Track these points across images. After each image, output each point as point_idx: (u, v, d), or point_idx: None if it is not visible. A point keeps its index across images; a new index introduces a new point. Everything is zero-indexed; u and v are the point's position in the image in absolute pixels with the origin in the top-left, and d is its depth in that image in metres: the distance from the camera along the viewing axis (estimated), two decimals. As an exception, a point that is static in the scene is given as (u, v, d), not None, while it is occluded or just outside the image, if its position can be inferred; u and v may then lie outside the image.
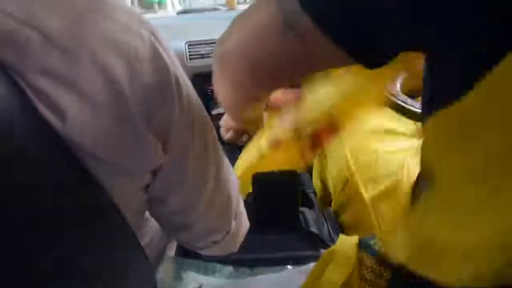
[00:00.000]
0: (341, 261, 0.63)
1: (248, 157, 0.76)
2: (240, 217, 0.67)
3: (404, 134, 1.04)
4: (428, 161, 0.45)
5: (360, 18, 0.40)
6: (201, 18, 1.91)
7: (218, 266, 0.91)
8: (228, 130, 0.94)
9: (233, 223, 0.64)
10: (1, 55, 0.37)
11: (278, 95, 0.66)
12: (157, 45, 0.45)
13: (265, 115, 0.71)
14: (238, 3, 2.03)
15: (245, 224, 0.70)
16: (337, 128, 0.66)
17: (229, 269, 0.91)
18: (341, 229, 1.05)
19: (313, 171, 1.21)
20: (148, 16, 2.10)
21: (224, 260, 0.92)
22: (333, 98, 0.63)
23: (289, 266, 0.90)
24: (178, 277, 0.88)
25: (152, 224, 0.69)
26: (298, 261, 0.90)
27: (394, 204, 0.91)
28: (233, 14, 1.78)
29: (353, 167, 1.01)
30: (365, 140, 1.03)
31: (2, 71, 0.37)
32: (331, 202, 1.11)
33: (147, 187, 0.50)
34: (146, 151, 0.45)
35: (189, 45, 1.63)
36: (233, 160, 0.72)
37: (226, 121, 0.94)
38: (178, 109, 0.47)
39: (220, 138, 0.84)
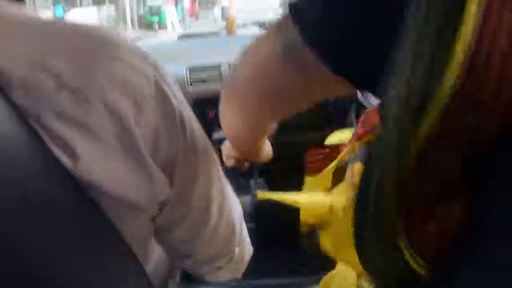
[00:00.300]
0: (341, 285, 0.64)
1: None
2: (244, 244, 0.68)
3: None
4: None
5: (358, 48, 0.42)
6: (201, 42, 1.95)
7: (222, 291, 0.92)
8: (229, 157, 0.95)
9: (237, 250, 0.65)
10: (16, 99, 0.39)
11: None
12: (160, 81, 0.47)
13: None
14: (238, 27, 2.06)
15: (249, 250, 0.70)
16: None
17: (233, 293, 0.91)
18: None
19: None
20: (148, 37, 2.14)
21: (228, 285, 0.92)
22: None
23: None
24: (182, 303, 0.89)
25: (157, 251, 0.70)
26: (299, 286, 0.91)
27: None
28: (233, 39, 1.83)
29: None
30: None
31: (18, 114, 0.39)
32: None
33: (153, 218, 0.51)
34: (153, 185, 0.46)
35: (190, 70, 1.65)
36: (236, 184, 0.73)
37: (227, 150, 0.95)
38: (182, 144, 0.49)
39: (222, 162, 0.85)
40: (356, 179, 0.81)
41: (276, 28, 0.49)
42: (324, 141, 1.06)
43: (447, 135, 0.33)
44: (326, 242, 0.83)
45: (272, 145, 0.84)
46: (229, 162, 0.97)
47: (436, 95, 0.32)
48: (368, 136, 0.91)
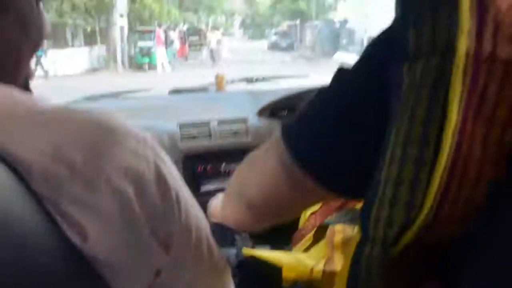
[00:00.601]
0: None
1: None
2: None
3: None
4: None
5: (341, 163, 0.53)
6: (191, 98, 2.04)
7: None
8: (214, 217, 1.02)
9: None
10: (36, 187, 0.46)
11: None
12: (158, 162, 0.54)
13: None
14: (226, 83, 2.17)
15: None
16: None
17: None
18: None
19: None
20: (139, 94, 2.24)
21: None
22: None
23: None
24: None
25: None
26: None
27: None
28: (221, 95, 1.93)
29: None
30: None
31: (36, 200, 0.46)
32: None
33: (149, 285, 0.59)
34: (152, 257, 0.54)
35: (181, 126, 1.72)
36: (221, 237, 0.80)
37: (214, 211, 1.02)
38: (178, 220, 0.56)
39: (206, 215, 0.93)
40: (336, 238, 0.89)
41: (274, 146, 0.60)
42: None
43: (422, 243, 0.44)
44: None
45: None
46: (215, 220, 1.04)
47: (416, 219, 0.43)
48: (348, 205, 1.00)
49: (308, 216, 1.06)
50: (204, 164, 1.72)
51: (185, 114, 1.82)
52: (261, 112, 1.83)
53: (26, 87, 0.63)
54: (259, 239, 1.24)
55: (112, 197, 0.48)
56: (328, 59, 21.36)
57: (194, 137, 1.72)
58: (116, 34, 17.38)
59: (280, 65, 19.00)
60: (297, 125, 0.59)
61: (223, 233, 0.80)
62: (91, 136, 0.50)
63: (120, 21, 17.61)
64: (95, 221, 0.48)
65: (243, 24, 44.38)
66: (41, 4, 0.61)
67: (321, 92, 0.58)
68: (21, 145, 0.46)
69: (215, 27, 26.96)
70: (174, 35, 20.41)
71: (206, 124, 1.75)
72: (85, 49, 17.06)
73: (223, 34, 42.16)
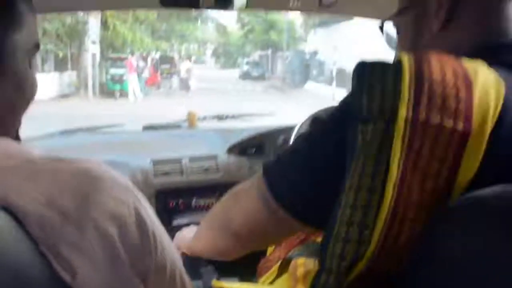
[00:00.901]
0: None
1: None
2: None
3: None
4: None
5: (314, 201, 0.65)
6: (164, 135, 2.14)
7: None
8: (181, 249, 1.09)
9: None
10: (32, 232, 0.53)
11: None
12: (138, 206, 0.62)
13: None
14: (198, 119, 2.28)
15: None
16: None
17: None
18: None
19: None
20: (114, 129, 2.32)
21: None
22: None
23: None
24: None
25: None
26: None
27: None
28: (193, 132, 2.02)
29: None
30: None
31: (32, 242, 0.53)
32: None
33: None
34: None
35: (154, 163, 1.82)
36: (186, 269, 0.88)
37: (181, 243, 1.05)
38: (155, 257, 0.65)
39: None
40: (299, 272, 0.99)
41: (256, 185, 0.72)
42: None
43: (371, 273, 0.56)
44: None
45: None
46: (180, 252, 1.12)
47: (365, 253, 0.55)
48: (310, 239, 1.10)
49: (274, 248, 1.15)
50: (176, 199, 1.82)
51: (158, 150, 1.92)
52: (231, 150, 1.95)
53: (17, 137, 0.71)
54: (226, 271, 1.32)
55: (98, 239, 0.56)
56: (298, 89, 21.74)
57: (166, 173, 1.82)
58: (87, 60, 17.29)
59: (251, 94, 19.20)
60: (276, 167, 0.72)
61: (189, 265, 0.88)
62: (79, 185, 0.57)
63: (92, 48, 17.56)
64: (83, 260, 0.55)
65: (215, 53, 44.75)
66: (33, 63, 0.69)
67: (298, 139, 0.73)
68: (18, 194, 0.54)
69: (187, 55, 27.17)
70: (144, 63, 20.46)
71: (178, 161, 1.85)
72: (56, 75, 16.83)
73: (195, 62, 42.42)
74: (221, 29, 37.07)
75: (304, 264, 0.97)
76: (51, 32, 15.72)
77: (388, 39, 0.91)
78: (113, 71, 17.81)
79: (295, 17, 26.33)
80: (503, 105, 0.56)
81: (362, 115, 0.58)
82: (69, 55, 17.33)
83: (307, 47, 26.56)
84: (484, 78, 0.57)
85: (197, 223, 1.77)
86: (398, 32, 0.81)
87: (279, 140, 1.97)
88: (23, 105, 0.68)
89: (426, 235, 0.55)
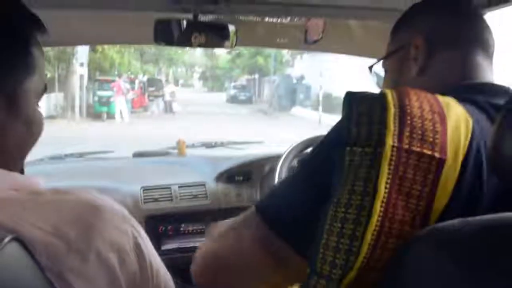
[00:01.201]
0: None
1: None
2: None
3: None
4: None
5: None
6: (154, 162, 2.20)
7: None
8: None
9: None
10: (40, 259, 0.58)
11: None
12: (136, 235, 0.67)
13: None
14: (187, 147, 2.34)
15: None
16: None
17: None
18: None
19: None
20: (104, 155, 2.36)
21: None
22: None
23: None
24: None
25: None
26: None
27: None
28: (183, 159, 2.07)
29: None
30: None
31: (39, 268, 0.57)
32: None
33: None
34: None
35: (144, 189, 1.87)
36: None
37: None
38: (150, 280, 0.69)
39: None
40: None
41: (243, 223, 0.78)
42: None
43: (364, 280, 0.61)
44: None
45: None
46: None
47: (355, 265, 0.61)
48: None
49: None
50: (165, 224, 1.87)
51: (148, 177, 1.97)
52: (219, 177, 2.01)
53: (22, 171, 0.75)
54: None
55: (100, 265, 0.61)
56: (285, 114, 21.89)
57: (156, 200, 1.87)
58: (75, 82, 17.28)
59: (238, 118, 19.29)
60: (271, 201, 0.78)
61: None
62: (83, 216, 0.62)
63: (80, 70, 17.57)
64: (86, 286, 0.60)
65: (202, 77, 44.98)
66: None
67: (290, 180, 0.80)
68: (26, 224, 0.58)
69: (175, 79, 27.25)
70: (131, 86, 20.49)
71: (168, 187, 1.90)
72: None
73: (183, 86, 42.46)
74: (209, 53, 37.35)
75: None
76: (39, 53, 15.65)
77: (378, 79, 1.01)
78: (100, 93, 17.87)
79: (282, 42, 26.52)
80: (471, 137, 0.65)
81: (350, 139, 0.66)
82: (56, 76, 17.30)
83: (294, 72, 26.87)
84: (455, 112, 0.66)
85: (185, 248, 1.83)
86: (385, 74, 0.93)
87: (266, 168, 2.04)
88: (31, 142, 0.72)
89: (393, 261, 0.61)
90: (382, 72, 0.95)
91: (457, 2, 0.86)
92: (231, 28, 1.44)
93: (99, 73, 19.54)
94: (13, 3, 0.67)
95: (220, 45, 1.46)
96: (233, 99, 28.66)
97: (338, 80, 17.58)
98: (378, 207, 0.62)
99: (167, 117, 18.65)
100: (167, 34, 1.42)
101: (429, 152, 0.62)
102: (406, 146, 0.63)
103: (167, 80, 27.11)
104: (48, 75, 16.95)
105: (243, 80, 33.85)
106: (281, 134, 10.83)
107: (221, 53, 35.77)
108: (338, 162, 0.67)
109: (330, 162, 0.69)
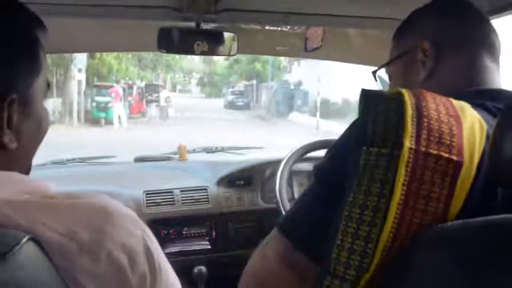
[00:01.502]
0: None
1: None
2: None
3: None
4: None
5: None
6: (156, 167, 2.22)
7: None
8: None
9: None
10: (54, 259, 0.60)
11: None
12: (146, 238, 0.69)
13: None
14: (188, 152, 2.36)
15: None
16: None
17: None
18: None
19: None
20: (105, 160, 2.38)
21: None
22: None
23: None
24: None
25: None
26: None
27: None
28: (184, 164, 2.10)
29: None
30: None
31: (55, 269, 0.59)
32: None
33: None
34: None
35: (146, 194, 1.90)
36: None
37: None
38: (160, 282, 0.70)
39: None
40: None
41: (270, 243, 0.78)
42: None
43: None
44: None
45: None
46: None
47: (370, 267, 0.62)
48: None
49: None
50: (168, 228, 1.90)
51: (150, 182, 2.00)
52: (220, 182, 2.04)
53: (29, 169, 0.77)
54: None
55: (111, 266, 0.63)
56: (283, 119, 21.89)
57: (158, 204, 1.90)
58: (73, 87, 17.28)
59: (236, 124, 19.28)
60: (292, 218, 0.78)
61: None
62: (95, 219, 0.64)
63: (78, 75, 17.57)
64: (96, 284, 0.62)
65: (200, 82, 44.95)
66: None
67: (308, 193, 0.79)
68: (41, 226, 0.60)
69: (173, 84, 27.19)
70: (130, 91, 20.48)
71: (170, 192, 1.93)
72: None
73: (180, 91, 42.32)
74: (207, 59, 37.32)
75: None
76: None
77: (383, 84, 1.02)
78: (98, 99, 17.81)
79: (280, 48, 26.53)
80: (486, 140, 0.65)
81: (366, 139, 0.66)
82: (54, 82, 17.27)
83: (292, 78, 26.88)
84: (470, 116, 0.67)
85: (187, 252, 1.85)
86: (390, 79, 0.93)
87: (266, 172, 2.08)
88: (40, 139, 0.74)
89: (397, 260, 0.63)
90: (386, 77, 0.95)
91: (461, 5, 0.86)
92: (232, 36, 1.47)
93: (97, 79, 19.53)
94: (19, 6, 0.69)
95: (221, 52, 1.49)
96: (230, 105, 28.67)
97: (335, 86, 17.64)
98: (394, 209, 0.62)
99: (165, 123, 18.63)
100: (170, 42, 1.45)
101: (447, 155, 0.62)
102: (424, 149, 0.63)
103: (164, 86, 27.05)
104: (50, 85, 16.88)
105: (240, 86, 33.82)
106: (279, 139, 10.84)
107: (219, 59, 35.68)
108: (353, 162, 0.66)
109: (345, 162, 0.69)
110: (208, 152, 2.44)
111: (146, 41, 1.57)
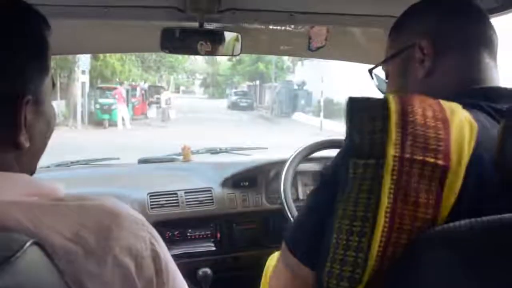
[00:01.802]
0: None
1: None
2: None
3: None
4: None
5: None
6: (160, 168, 2.22)
7: None
8: None
9: None
10: (58, 263, 0.58)
11: None
12: (153, 241, 0.68)
13: None
14: (192, 153, 2.36)
15: None
16: None
17: None
18: None
19: None
20: (109, 162, 2.38)
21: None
22: None
23: None
24: None
25: None
26: None
27: None
28: (188, 165, 2.09)
29: None
30: None
31: (59, 274, 0.58)
32: None
33: None
34: None
35: (150, 195, 1.89)
36: None
37: None
38: (166, 285, 0.70)
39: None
40: None
41: (281, 257, 0.79)
42: None
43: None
44: None
45: None
46: None
47: (363, 277, 0.62)
48: None
49: None
50: (172, 230, 1.89)
51: (154, 183, 1.99)
52: (225, 183, 2.03)
53: (32, 174, 0.76)
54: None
55: (117, 270, 0.63)
56: (286, 120, 21.88)
57: (163, 206, 1.89)
58: (77, 90, 17.31)
59: (239, 124, 19.29)
60: (296, 233, 0.78)
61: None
62: (102, 222, 0.64)
63: (81, 77, 17.61)
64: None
65: (204, 83, 45.02)
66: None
67: (308, 201, 0.79)
68: (47, 229, 0.60)
69: (176, 86, 27.24)
70: (133, 93, 20.51)
71: (174, 193, 1.92)
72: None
73: (184, 92, 42.35)
74: (210, 60, 37.42)
75: None
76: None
77: (379, 82, 1.01)
78: (102, 100, 17.89)
79: (283, 48, 26.55)
80: (476, 141, 0.65)
81: (353, 151, 0.66)
82: (58, 84, 17.33)
83: (295, 78, 26.88)
84: (459, 117, 0.66)
85: (192, 253, 1.85)
86: (386, 77, 0.92)
87: (271, 173, 2.07)
88: (49, 137, 0.75)
89: (401, 262, 0.63)
90: (383, 75, 0.94)
91: (460, 1, 0.84)
92: (236, 35, 1.46)
93: (100, 80, 19.59)
94: (29, 7, 0.69)
95: (225, 52, 1.48)
96: (234, 106, 28.65)
97: (339, 86, 17.62)
98: (382, 217, 0.62)
99: (165, 124, 18.65)
100: (173, 42, 1.45)
101: (432, 160, 0.62)
102: (408, 155, 0.63)
103: (167, 87, 27.09)
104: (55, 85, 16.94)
105: (244, 86, 33.92)
106: (283, 140, 10.84)
107: (222, 60, 35.84)
108: (343, 175, 0.67)
109: (337, 175, 0.69)
110: (212, 153, 2.44)
111: (149, 42, 1.57)
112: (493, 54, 0.82)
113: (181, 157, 2.31)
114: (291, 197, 1.76)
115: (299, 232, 0.77)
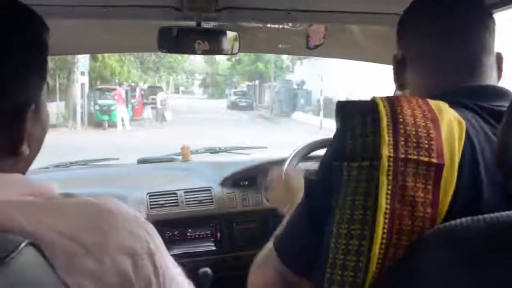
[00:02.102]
0: None
1: None
2: None
3: None
4: None
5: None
6: (159, 168, 2.21)
7: None
8: None
9: None
10: (56, 262, 0.58)
11: None
12: (149, 239, 0.68)
13: None
14: (191, 153, 2.35)
15: None
16: None
17: None
18: None
19: None
20: (108, 162, 2.38)
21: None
22: None
23: None
24: None
25: None
26: None
27: None
28: (187, 165, 2.09)
29: None
30: None
31: (56, 274, 0.58)
32: None
33: None
34: None
35: (150, 195, 1.89)
36: None
37: None
38: (162, 283, 0.70)
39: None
40: None
41: (267, 257, 0.81)
42: None
43: None
44: None
45: None
46: None
47: (365, 281, 0.61)
48: None
49: None
50: (172, 230, 1.88)
51: (153, 183, 1.99)
52: (224, 182, 2.03)
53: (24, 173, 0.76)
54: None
55: (114, 269, 0.63)
56: (286, 119, 21.89)
57: (162, 206, 1.88)
58: (76, 91, 17.31)
59: (239, 124, 19.29)
60: (283, 236, 0.79)
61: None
62: (99, 221, 0.64)
63: (81, 79, 17.61)
64: (99, 287, 0.61)
65: (203, 84, 45.04)
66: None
67: (298, 207, 0.80)
68: (45, 228, 0.59)
69: (175, 86, 27.26)
70: (133, 94, 20.50)
71: (174, 193, 1.92)
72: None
73: (183, 93, 42.36)
74: (209, 60, 37.45)
75: None
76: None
77: None
78: (101, 101, 17.89)
79: (282, 48, 26.56)
80: (466, 138, 0.66)
81: (346, 154, 0.67)
82: (57, 85, 17.33)
83: (294, 77, 26.89)
84: (448, 116, 0.67)
85: (193, 253, 1.84)
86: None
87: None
88: (43, 141, 0.74)
89: (403, 261, 0.62)
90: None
91: (453, 1, 0.83)
92: (234, 34, 1.46)
93: (100, 82, 19.58)
94: (31, 12, 0.69)
95: (223, 51, 1.48)
96: (233, 106, 28.62)
97: (338, 85, 17.62)
98: (381, 219, 0.62)
99: (161, 125, 18.65)
100: (171, 42, 1.44)
101: (426, 159, 0.63)
102: (403, 156, 0.63)
103: (167, 88, 27.11)
104: (50, 84, 16.95)
105: (243, 86, 33.93)
106: (283, 139, 10.84)
107: (221, 60, 35.84)
108: (337, 179, 0.67)
109: (330, 181, 0.69)
110: (211, 153, 2.44)
111: (147, 41, 1.56)
112: (485, 51, 0.80)
113: (180, 157, 2.31)
114: None
115: (288, 236, 0.79)
